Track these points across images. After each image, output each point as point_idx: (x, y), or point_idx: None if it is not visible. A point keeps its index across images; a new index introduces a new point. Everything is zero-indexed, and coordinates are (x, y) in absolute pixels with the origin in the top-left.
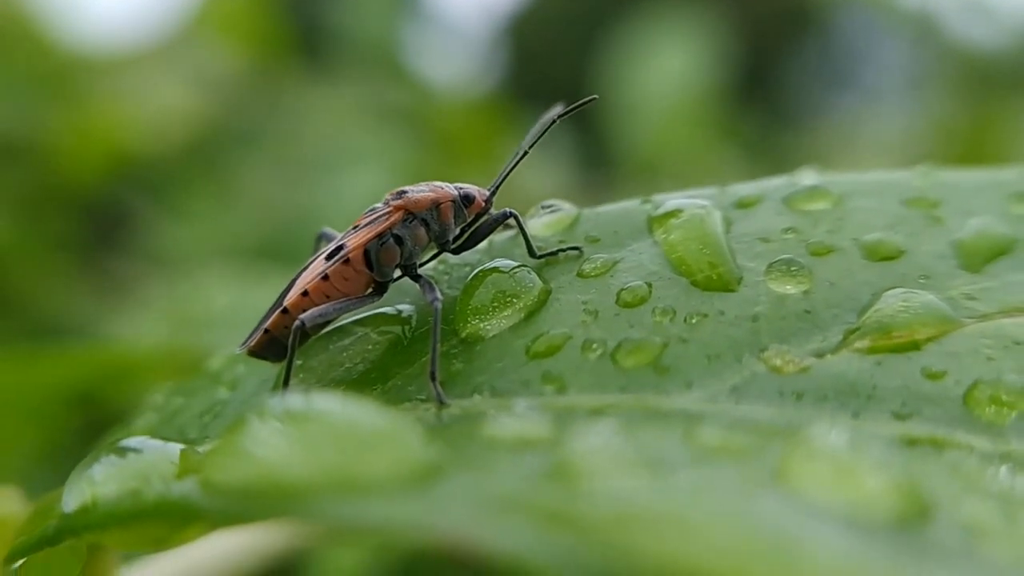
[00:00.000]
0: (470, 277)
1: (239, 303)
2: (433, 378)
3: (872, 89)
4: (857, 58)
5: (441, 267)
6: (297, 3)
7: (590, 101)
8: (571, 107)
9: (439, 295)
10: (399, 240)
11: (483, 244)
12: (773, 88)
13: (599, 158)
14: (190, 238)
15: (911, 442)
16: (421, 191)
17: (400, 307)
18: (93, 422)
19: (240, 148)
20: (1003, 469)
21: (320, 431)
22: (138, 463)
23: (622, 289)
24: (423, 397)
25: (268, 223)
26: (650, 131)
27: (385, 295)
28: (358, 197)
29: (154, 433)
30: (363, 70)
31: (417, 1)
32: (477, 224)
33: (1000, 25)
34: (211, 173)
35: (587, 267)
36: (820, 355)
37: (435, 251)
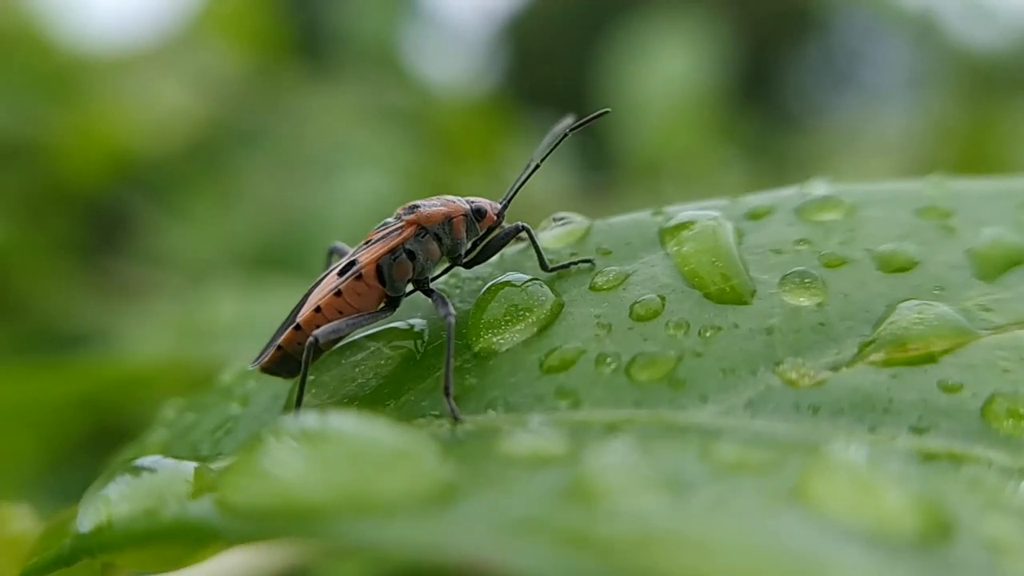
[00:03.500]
0: (483, 291)
1: (244, 313)
2: (447, 393)
3: (873, 90)
4: (858, 59)
5: (453, 281)
6: (298, 4)
7: (602, 114)
8: (583, 120)
9: (452, 309)
10: (411, 255)
11: (495, 258)
12: (774, 89)
13: (601, 160)
14: (192, 240)
15: (929, 457)
16: (433, 205)
17: (413, 321)
18: (102, 432)
19: (241, 149)
20: (1022, 484)
21: (336, 450)
22: (153, 482)
23: (635, 302)
24: (437, 412)
25: (269, 224)
26: (651, 133)
27: (397, 310)
28: (359, 198)
29: (167, 450)
30: (364, 71)
31: (417, 2)
32: (489, 238)
33: (1000, 26)
34: (212, 174)
35: (599, 280)
36: (835, 368)
37: (447, 265)
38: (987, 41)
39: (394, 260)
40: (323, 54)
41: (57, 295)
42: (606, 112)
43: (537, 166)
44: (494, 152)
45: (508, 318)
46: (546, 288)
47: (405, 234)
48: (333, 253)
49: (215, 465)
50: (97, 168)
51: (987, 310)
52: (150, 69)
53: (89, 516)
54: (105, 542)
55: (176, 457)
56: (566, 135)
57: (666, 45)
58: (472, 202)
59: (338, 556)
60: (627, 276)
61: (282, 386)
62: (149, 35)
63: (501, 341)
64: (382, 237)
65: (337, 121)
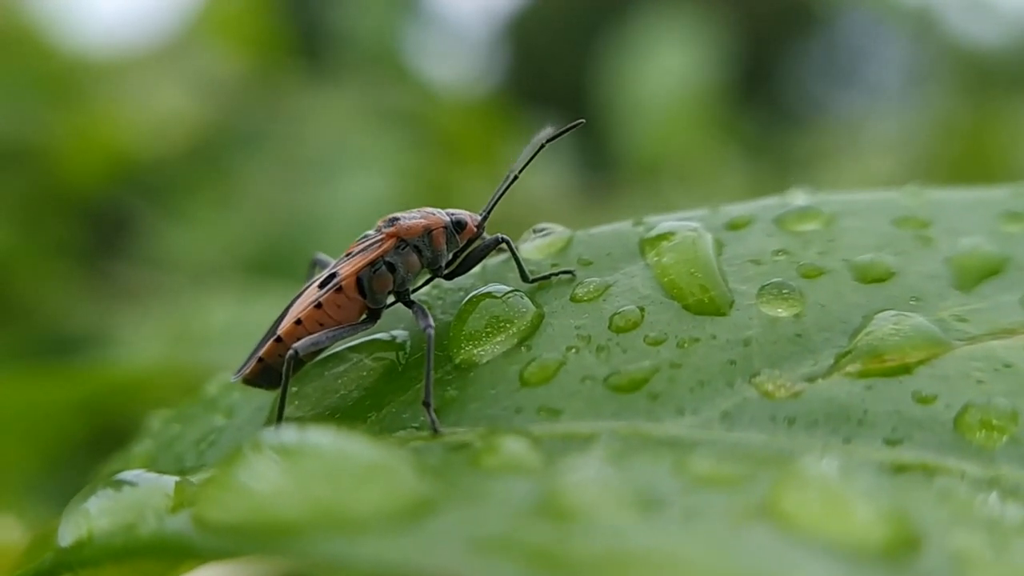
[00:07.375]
0: (463, 302)
1: (237, 319)
2: (427, 405)
3: (874, 87)
4: (858, 56)
5: (435, 292)
6: (298, 5)
7: (577, 125)
8: (560, 131)
9: (432, 322)
10: (391, 267)
11: (476, 269)
12: (774, 86)
13: (600, 160)
14: (192, 243)
15: (901, 468)
16: (413, 218)
17: (394, 333)
18: (100, 436)
19: (241, 151)
20: (993, 495)
21: (313, 465)
22: (133, 496)
23: (615, 314)
24: (417, 425)
25: (270, 227)
26: (651, 131)
27: (380, 321)
28: (359, 200)
29: (152, 461)
30: (364, 72)
31: (418, 3)
32: (469, 249)
33: (1001, 22)
34: (212, 177)
35: (580, 291)
36: (812, 379)
37: (428, 277)
38: (988, 38)
39: (374, 272)
40: (323, 55)
41: (57, 298)
42: (581, 123)
43: (516, 177)
44: (495, 153)
45: (489, 330)
46: (527, 299)
47: (385, 246)
48: (315, 265)
49: (197, 477)
50: (97, 171)
51: (962, 320)
52: (150, 72)
53: (70, 530)
54: (85, 557)
55: (161, 469)
56: (543, 146)
57: (666, 43)
58: (452, 214)
59: (329, 569)
60: (607, 287)
61: (266, 397)
62: (149, 37)
63: (482, 353)
64: (362, 249)
65: (337, 123)
